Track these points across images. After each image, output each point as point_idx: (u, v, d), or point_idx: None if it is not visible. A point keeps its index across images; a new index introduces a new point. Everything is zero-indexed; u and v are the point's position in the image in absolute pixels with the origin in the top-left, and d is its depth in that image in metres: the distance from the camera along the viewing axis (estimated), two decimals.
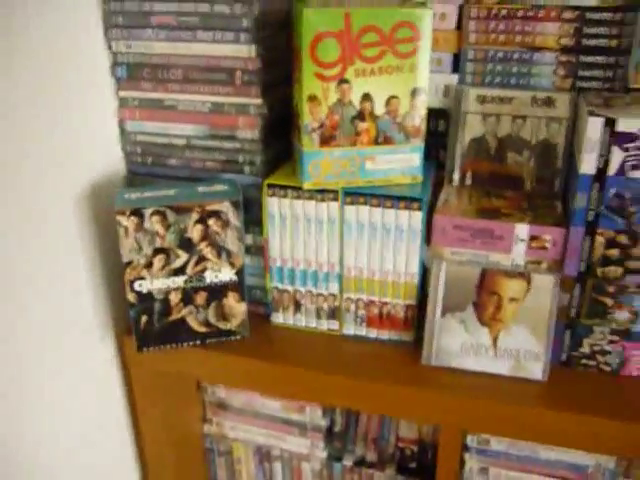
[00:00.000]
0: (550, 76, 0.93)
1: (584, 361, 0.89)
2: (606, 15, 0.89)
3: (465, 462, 1.03)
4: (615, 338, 0.87)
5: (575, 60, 0.92)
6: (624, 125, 0.76)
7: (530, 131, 0.94)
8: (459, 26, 0.95)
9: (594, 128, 0.77)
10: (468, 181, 0.97)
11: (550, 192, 0.94)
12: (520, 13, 0.92)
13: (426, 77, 0.86)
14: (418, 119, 0.87)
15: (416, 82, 0.85)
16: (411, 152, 0.89)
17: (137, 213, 0.86)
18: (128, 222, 0.86)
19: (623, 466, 0.99)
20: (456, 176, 0.97)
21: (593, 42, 0.90)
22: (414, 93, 0.85)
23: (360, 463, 1.13)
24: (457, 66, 0.96)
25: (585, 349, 0.88)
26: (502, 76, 0.95)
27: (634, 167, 0.77)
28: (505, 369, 0.88)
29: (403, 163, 0.89)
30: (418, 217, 0.87)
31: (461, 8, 0.94)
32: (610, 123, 0.76)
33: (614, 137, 0.76)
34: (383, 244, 0.89)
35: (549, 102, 0.92)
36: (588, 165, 0.79)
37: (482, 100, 0.94)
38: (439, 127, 0.99)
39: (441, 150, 0.99)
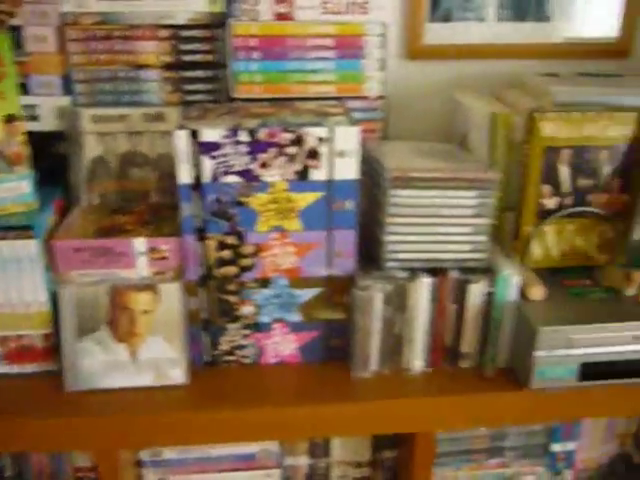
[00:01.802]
0: (158, 92, 0.97)
1: (226, 358, 0.94)
2: (197, 32, 0.94)
3: (143, 477, 1.04)
4: (247, 332, 0.92)
5: (178, 76, 0.96)
6: (206, 135, 0.81)
7: (148, 146, 0.96)
8: (62, 48, 0.94)
9: (180, 140, 0.81)
10: (95, 201, 0.98)
11: (174, 203, 0.97)
12: (118, 33, 0.94)
13: (18, 102, 0.84)
14: (17, 146, 0.85)
15: (8, 109, 0.83)
16: (19, 180, 0.87)
17: None
18: None
19: (287, 448, 1.06)
20: (83, 197, 0.97)
21: (191, 57, 0.95)
22: (8, 120, 0.83)
23: None
24: (68, 88, 0.96)
25: (224, 347, 0.93)
26: (113, 95, 0.97)
27: (225, 173, 0.83)
28: (148, 380, 0.89)
29: (12, 192, 0.87)
30: (33, 245, 0.85)
31: (60, 30, 0.93)
32: (195, 134, 0.81)
33: (200, 147, 0.81)
34: (4, 277, 0.86)
35: (160, 117, 0.96)
36: (185, 175, 0.83)
37: (97, 120, 0.95)
38: (60, 150, 0.98)
39: (67, 173, 0.98)
